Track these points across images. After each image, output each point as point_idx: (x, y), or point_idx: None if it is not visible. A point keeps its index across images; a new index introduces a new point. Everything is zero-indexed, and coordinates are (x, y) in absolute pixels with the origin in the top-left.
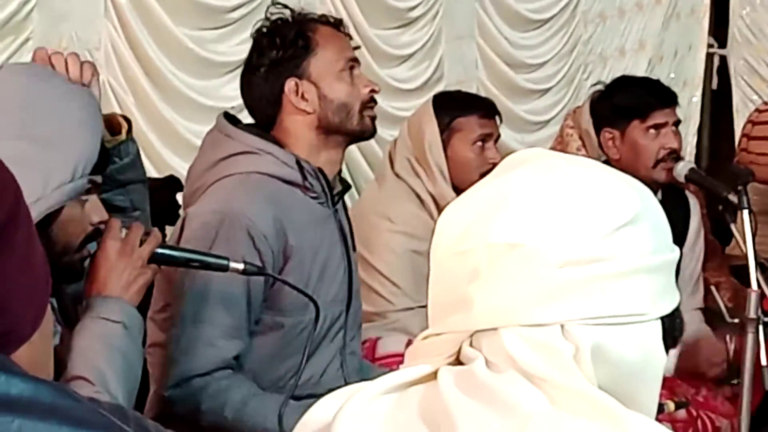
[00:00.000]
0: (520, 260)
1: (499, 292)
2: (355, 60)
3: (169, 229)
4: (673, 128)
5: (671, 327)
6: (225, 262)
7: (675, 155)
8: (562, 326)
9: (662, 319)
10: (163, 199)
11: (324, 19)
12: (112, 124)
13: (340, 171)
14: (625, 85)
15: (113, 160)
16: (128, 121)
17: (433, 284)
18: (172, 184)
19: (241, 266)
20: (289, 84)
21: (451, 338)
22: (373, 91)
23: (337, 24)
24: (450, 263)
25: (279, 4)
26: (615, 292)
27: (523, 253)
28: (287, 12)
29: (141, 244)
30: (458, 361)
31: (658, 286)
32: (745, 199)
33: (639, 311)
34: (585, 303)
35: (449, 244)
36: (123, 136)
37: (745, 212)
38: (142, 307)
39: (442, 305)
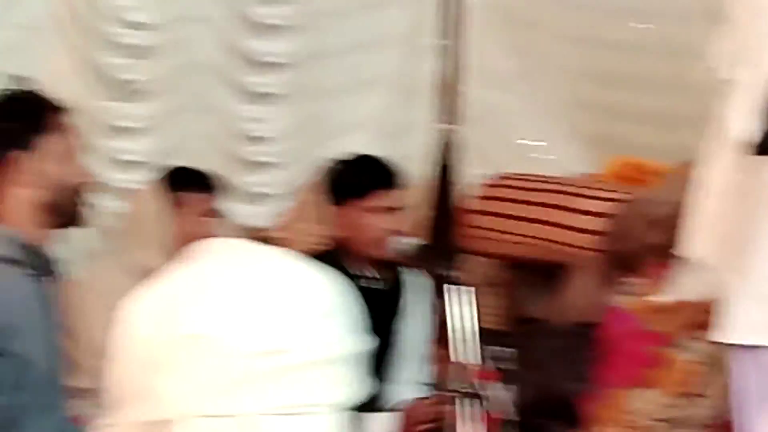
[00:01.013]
0: (203, 351)
1: (181, 382)
2: (79, 145)
3: None
4: (395, 209)
5: (352, 415)
6: None
7: (395, 235)
8: (241, 417)
9: (341, 408)
10: None
11: (57, 102)
12: None
13: (52, 247)
14: (349, 164)
15: None
16: None
17: (113, 372)
18: None
19: None
20: (14, 156)
21: (126, 429)
22: (86, 182)
23: (66, 109)
24: (132, 352)
25: (16, 77)
26: (298, 383)
27: (206, 344)
28: (22, 87)
29: None
30: None
31: (344, 377)
32: (461, 274)
33: (322, 402)
34: (267, 394)
35: (133, 332)
36: None
37: (461, 288)
38: None
39: (121, 394)
